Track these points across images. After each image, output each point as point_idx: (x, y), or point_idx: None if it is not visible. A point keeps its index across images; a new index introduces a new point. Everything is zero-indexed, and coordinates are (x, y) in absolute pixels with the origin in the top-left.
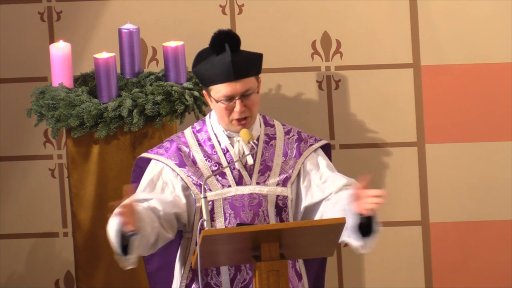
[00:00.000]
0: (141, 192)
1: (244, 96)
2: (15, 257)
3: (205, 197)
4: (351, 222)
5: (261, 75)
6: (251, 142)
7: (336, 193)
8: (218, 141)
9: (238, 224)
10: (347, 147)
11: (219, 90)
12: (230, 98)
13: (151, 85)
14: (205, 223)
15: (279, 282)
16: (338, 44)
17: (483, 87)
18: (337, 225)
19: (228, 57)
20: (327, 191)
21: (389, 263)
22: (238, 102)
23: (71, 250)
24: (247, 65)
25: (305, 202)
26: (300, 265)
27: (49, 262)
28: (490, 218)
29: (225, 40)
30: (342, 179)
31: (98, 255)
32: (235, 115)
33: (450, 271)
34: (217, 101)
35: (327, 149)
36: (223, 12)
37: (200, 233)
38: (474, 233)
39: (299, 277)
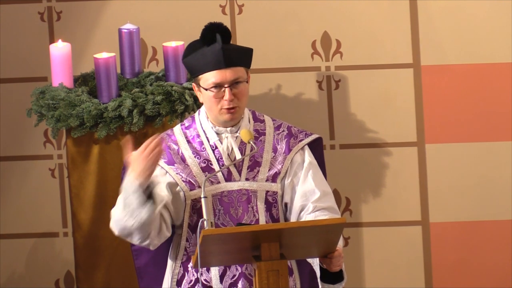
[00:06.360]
0: None
1: (233, 84)
2: (15, 257)
3: (205, 197)
4: (319, 273)
5: (261, 75)
6: (251, 142)
7: (301, 205)
8: (207, 137)
9: (238, 224)
10: (347, 147)
11: (209, 78)
12: (219, 86)
13: (151, 85)
14: (205, 223)
15: (279, 282)
16: (338, 44)
17: (483, 87)
18: (337, 225)
19: (219, 45)
20: (294, 198)
21: (389, 263)
22: (227, 90)
23: (71, 250)
24: (237, 55)
25: (285, 199)
26: (292, 261)
27: (49, 262)
28: (490, 218)
29: (216, 32)
30: (310, 190)
31: (98, 255)
32: (224, 103)
33: (450, 271)
34: (206, 89)
35: (318, 143)
36: (223, 12)
37: (199, 232)
38: (474, 233)
39: (290, 272)
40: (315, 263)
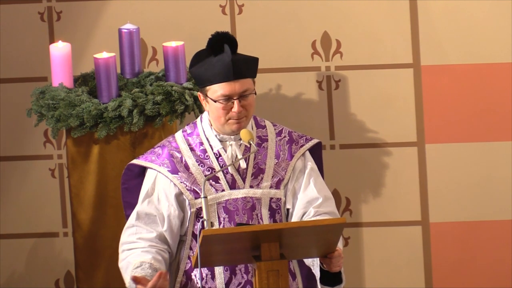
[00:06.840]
0: (144, 207)
1: (242, 96)
2: (15, 257)
3: (206, 197)
4: (318, 274)
5: (261, 75)
6: (251, 142)
7: (303, 209)
8: (210, 145)
9: (238, 224)
10: (347, 147)
11: (217, 90)
12: (228, 98)
13: (151, 85)
14: (205, 223)
15: (279, 282)
16: (338, 44)
17: (483, 87)
18: (337, 225)
19: (228, 57)
20: (297, 205)
21: (389, 263)
22: (236, 102)
23: (71, 250)
24: (245, 66)
25: (287, 205)
26: (294, 264)
27: (49, 262)
28: (490, 218)
29: (224, 41)
30: (313, 197)
31: (98, 255)
32: (233, 115)
33: (450, 271)
34: (214, 101)
35: (318, 147)
36: (223, 12)
37: (199, 233)
38: (474, 233)
39: (293, 277)
40: (315, 265)
